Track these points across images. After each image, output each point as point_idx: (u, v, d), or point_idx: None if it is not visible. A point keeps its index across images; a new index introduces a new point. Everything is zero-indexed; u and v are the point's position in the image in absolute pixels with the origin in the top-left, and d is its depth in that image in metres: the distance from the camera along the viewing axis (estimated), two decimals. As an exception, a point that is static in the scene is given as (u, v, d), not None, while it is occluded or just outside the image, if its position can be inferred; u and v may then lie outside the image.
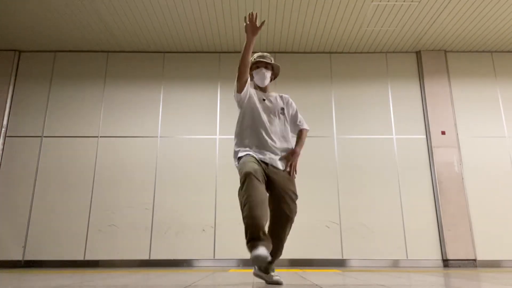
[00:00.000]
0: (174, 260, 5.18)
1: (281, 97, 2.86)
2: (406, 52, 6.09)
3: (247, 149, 2.63)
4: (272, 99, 2.80)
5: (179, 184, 5.48)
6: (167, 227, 5.32)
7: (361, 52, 6.10)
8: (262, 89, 2.82)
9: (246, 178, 2.39)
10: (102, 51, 6.06)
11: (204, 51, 6.05)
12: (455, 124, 5.69)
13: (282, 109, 2.80)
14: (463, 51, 6.07)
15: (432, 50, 6.01)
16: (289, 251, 5.20)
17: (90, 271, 4.06)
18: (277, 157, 2.65)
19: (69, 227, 5.31)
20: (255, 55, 2.83)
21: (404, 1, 4.89)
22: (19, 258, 5.20)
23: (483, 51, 6.07)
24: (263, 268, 2.52)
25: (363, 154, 5.63)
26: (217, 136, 5.68)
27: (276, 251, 2.57)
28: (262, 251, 2.21)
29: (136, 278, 3.03)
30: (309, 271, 3.99)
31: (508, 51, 6.06)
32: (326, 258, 5.19)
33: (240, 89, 2.64)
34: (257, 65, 2.78)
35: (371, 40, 5.78)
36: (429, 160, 5.59)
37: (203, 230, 5.28)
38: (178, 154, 5.62)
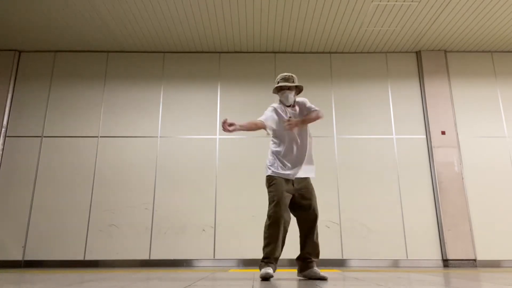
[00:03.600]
0: (174, 260, 5.19)
1: (299, 103, 3.23)
2: (406, 52, 6.09)
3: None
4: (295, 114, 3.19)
5: (179, 184, 5.48)
6: (167, 227, 5.32)
7: (361, 52, 6.10)
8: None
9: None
10: (102, 51, 6.06)
11: (204, 51, 6.05)
12: (455, 124, 5.69)
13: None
14: (463, 51, 6.07)
15: (432, 50, 6.01)
16: (289, 251, 5.22)
17: (90, 271, 4.06)
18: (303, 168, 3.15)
19: (69, 227, 5.31)
20: (278, 77, 3.20)
21: (404, 1, 4.89)
22: (19, 258, 5.20)
23: (483, 51, 6.07)
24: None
25: (363, 154, 5.64)
26: (217, 136, 5.68)
27: None
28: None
29: (136, 278, 3.03)
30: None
31: (508, 51, 6.06)
32: (326, 258, 5.19)
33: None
34: (281, 88, 3.15)
35: (371, 40, 5.78)
36: (429, 160, 5.60)
37: (203, 230, 5.28)
38: (178, 154, 5.62)
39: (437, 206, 5.38)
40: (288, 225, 3.02)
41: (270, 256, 2.92)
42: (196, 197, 5.41)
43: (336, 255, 5.22)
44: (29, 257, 5.20)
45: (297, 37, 5.68)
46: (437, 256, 5.24)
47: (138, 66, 6.00)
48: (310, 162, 3.17)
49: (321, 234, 5.32)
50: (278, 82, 3.19)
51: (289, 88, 3.16)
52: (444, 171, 5.46)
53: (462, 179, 5.45)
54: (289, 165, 3.06)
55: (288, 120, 3.03)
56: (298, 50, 6.04)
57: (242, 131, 2.97)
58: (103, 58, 6.03)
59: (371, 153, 5.64)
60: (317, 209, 3.14)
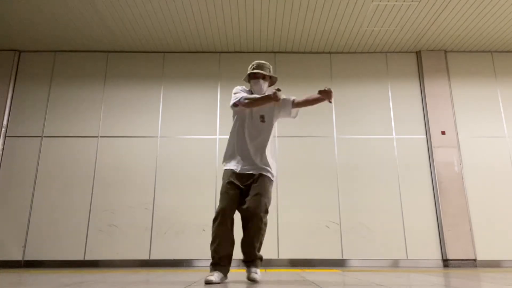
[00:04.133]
0: (174, 260, 5.18)
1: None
2: (406, 52, 6.09)
3: None
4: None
5: (179, 184, 5.48)
6: (167, 227, 5.32)
7: (361, 52, 6.10)
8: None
9: None
10: (102, 51, 6.06)
11: (204, 51, 6.05)
12: (455, 124, 5.69)
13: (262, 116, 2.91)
14: (463, 51, 6.07)
15: (432, 50, 6.01)
16: (289, 251, 5.22)
17: (90, 271, 4.06)
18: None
19: (69, 227, 5.31)
20: (254, 63, 2.97)
21: (404, 1, 4.89)
22: (19, 258, 5.20)
23: (483, 51, 6.07)
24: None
25: (363, 154, 5.63)
26: (217, 136, 5.68)
27: None
28: None
29: (136, 278, 3.03)
30: (309, 271, 3.99)
31: (508, 51, 6.06)
32: (326, 258, 5.19)
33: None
34: (255, 75, 2.92)
35: (371, 40, 5.77)
36: (429, 160, 5.59)
37: (203, 230, 5.28)
38: (178, 154, 5.62)
39: (437, 206, 5.38)
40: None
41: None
42: (196, 197, 5.41)
43: (336, 255, 5.22)
44: (29, 257, 5.20)
45: (297, 37, 5.67)
46: (437, 256, 5.24)
47: (138, 66, 6.00)
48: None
49: (321, 234, 5.34)
50: (253, 69, 2.95)
51: (263, 76, 2.95)
52: (444, 171, 5.46)
53: (462, 179, 5.45)
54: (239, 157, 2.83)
55: (275, 93, 2.75)
56: (298, 50, 6.04)
57: (261, 101, 2.73)
58: (103, 58, 6.03)
59: (371, 153, 5.64)
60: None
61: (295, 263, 5.15)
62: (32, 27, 5.43)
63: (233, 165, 2.85)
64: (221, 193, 2.84)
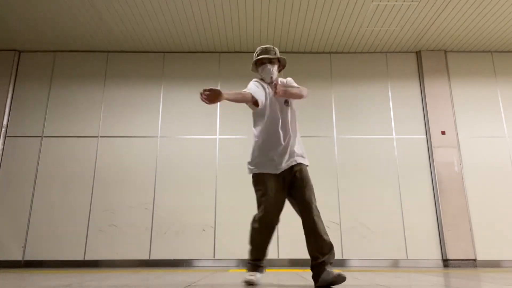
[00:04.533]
0: (174, 260, 5.19)
1: (284, 83, 2.76)
2: (406, 52, 6.09)
3: None
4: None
5: (179, 184, 5.48)
6: (167, 227, 5.32)
7: (361, 52, 6.10)
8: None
9: None
10: (102, 51, 6.06)
11: (204, 51, 6.05)
12: (455, 124, 5.69)
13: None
14: (463, 51, 6.07)
15: (432, 50, 6.01)
16: (289, 251, 5.22)
17: (90, 271, 4.06)
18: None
19: (69, 227, 5.31)
20: (258, 49, 2.76)
21: (404, 1, 4.89)
22: (19, 258, 5.20)
23: (483, 51, 6.07)
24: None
25: (363, 154, 5.63)
26: (217, 136, 5.68)
27: None
28: None
29: (136, 278, 3.03)
30: (309, 271, 3.99)
31: (508, 51, 6.06)
32: (326, 258, 5.18)
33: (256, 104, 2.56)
34: (261, 61, 2.71)
35: (371, 40, 5.77)
36: (429, 160, 5.59)
37: (203, 230, 5.28)
38: (178, 154, 5.62)
39: (437, 206, 5.38)
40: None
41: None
42: (196, 197, 5.41)
43: (336, 255, 5.21)
44: (29, 257, 5.20)
45: (297, 37, 5.67)
46: (437, 256, 5.24)
47: (138, 66, 6.00)
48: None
49: (321, 234, 5.34)
50: (257, 55, 2.73)
51: (270, 60, 2.71)
52: (444, 171, 5.46)
53: (462, 179, 5.45)
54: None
55: (275, 86, 2.59)
56: (298, 50, 6.04)
57: (228, 101, 2.43)
58: (103, 58, 6.03)
59: (371, 153, 5.64)
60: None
61: (295, 263, 5.15)
62: (32, 27, 5.43)
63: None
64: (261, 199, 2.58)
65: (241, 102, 2.54)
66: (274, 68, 2.71)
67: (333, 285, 2.30)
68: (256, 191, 2.62)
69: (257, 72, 2.78)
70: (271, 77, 2.70)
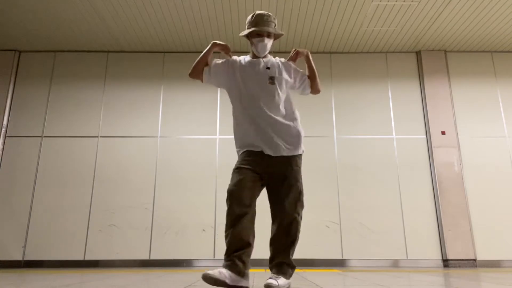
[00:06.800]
0: (174, 260, 5.18)
1: (283, 63, 2.55)
2: (406, 52, 6.09)
3: None
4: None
5: (179, 184, 5.48)
6: (167, 227, 5.32)
7: (361, 52, 6.10)
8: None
9: None
10: (102, 51, 6.06)
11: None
12: (455, 124, 5.69)
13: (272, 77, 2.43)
14: (463, 51, 6.07)
15: (432, 50, 6.01)
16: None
17: (90, 271, 4.06)
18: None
19: (69, 227, 5.30)
20: (255, 15, 2.44)
21: (404, 1, 4.89)
22: (19, 258, 5.20)
23: (483, 51, 6.07)
24: None
25: (363, 154, 5.63)
26: (217, 136, 5.68)
27: None
28: None
29: (136, 278, 3.03)
30: (309, 271, 3.99)
31: (508, 51, 6.06)
32: (326, 258, 5.18)
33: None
34: (258, 33, 2.42)
35: (371, 40, 5.77)
36: (429, 160, 5.59)
37: (203, 230, 5.28)
38: (178, 154, 5.62)
39: (437, 206, 5.38)
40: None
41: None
42: (196, 197, 5.41)
43: (336, 255, 5.22)
44: (29, 257, 5.20)
45: (297, 37, 5.67)
46: (437, 256, 5.24)
47: (138, 66, 6.00)
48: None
49: (321, 234, 5.34)
50: (255, 23, 2.41)
51: (268, 34, 2.42)
52: (444, 171, 5.46)
53: (462, 179, 5.45)
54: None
55: (296, 51, 2.42)
56: (298, 50, 6.03)
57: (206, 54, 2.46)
58: (103, 58, 6.03)
59: (371, 153, 5.64)
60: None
61: (295, 263, 5.14)
62: (32, 27, 5.43)
63: None
64: None
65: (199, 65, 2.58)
66: (270, 43, 2.45)
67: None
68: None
69: (248, 40, 2.51)
70: (265, 53, 2.48)
